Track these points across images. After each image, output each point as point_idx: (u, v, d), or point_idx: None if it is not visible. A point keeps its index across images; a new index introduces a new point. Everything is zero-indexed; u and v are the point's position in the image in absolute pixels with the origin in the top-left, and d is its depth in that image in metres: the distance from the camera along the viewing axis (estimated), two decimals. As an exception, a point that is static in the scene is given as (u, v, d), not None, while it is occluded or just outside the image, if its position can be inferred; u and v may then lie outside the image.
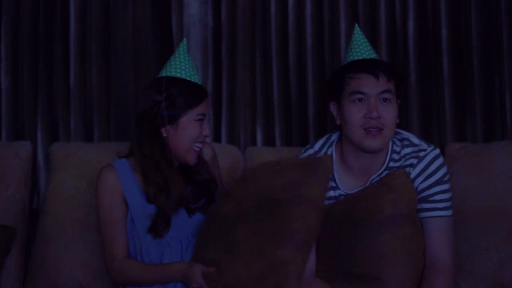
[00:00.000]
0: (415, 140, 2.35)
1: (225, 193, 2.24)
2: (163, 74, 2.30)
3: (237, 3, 3.02)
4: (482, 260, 2.48)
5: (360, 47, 2.33)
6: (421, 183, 2.30)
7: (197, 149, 2.29)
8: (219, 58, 3.03)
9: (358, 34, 2.37)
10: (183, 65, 2.30)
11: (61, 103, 3.01)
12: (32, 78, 3.01)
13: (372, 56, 2.33)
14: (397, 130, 2.38)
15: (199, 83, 2.31)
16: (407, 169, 2.30)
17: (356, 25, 2.42)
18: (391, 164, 2.31)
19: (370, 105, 2.24)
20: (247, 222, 2.08)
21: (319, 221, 2.06)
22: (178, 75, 2.28)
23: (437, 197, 2.29)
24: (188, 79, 2.29)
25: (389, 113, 2.25)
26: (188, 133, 2.26)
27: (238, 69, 3.03)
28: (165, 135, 2.25)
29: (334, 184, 2.32)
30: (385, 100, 2.25)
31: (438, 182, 2.30)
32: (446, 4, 2.98)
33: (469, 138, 2.96)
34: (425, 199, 2.30)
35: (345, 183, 2.33)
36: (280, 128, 3.02)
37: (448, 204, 2.31)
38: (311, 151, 2.38)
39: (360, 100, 2.25)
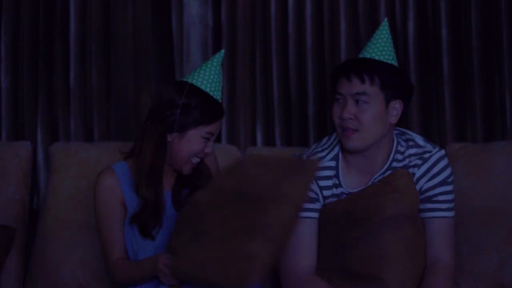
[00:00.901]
0: (421, 141, 2.35)
1: (210, 181, 2.22)
2: (189, 80, 2.25)
3: (237, 3, 3.02)
4: (482, 260, 2.48)
5: (369, 44, 2.33)
6: (425, 183, 2.30)
7: (195, 162, 2.26)
8: (219, 58, 3.03)
9: (379, 30, 2.34)
10: (211, 78, 2.25)
11: (61, 103, 3.01)
12: (32, 78, 3.01)
13: (370, 56, 2.31)
14: (403, 130, 2.38)
15: (220, 100, 2.27)
16: (412, 169, 2.30)
17: (385, 19, 2.37)
18: (394, 164, 2.31)
19: (345, 105, 2.24)
20: (220, 210, 2.03)
21: (294, 221, 2.03)
22: (203, 87, 2.23)
23: (440, 198, 2.30)
24: (211, 94, 2.24)
25: (364, 115, 2.23)
26: (191, 147, 2.22)
27: (238, 69, 3.02)
28: (169, 139, 2.22)
29: (337, 182, 2.32)
30: (361, 101, 2.24)
31: (442, 183, 2.30)
32: (446, 4, 2.98)
33: (469, 138, 2.96)
34: (429, 199, 2.30)
35: (347, 181, 2.33)
36: (280, 128, 3.02)
37: (451, 205, 2.31)
38: (318, 148, 2.39)
39: (339, 100, 2.26)
